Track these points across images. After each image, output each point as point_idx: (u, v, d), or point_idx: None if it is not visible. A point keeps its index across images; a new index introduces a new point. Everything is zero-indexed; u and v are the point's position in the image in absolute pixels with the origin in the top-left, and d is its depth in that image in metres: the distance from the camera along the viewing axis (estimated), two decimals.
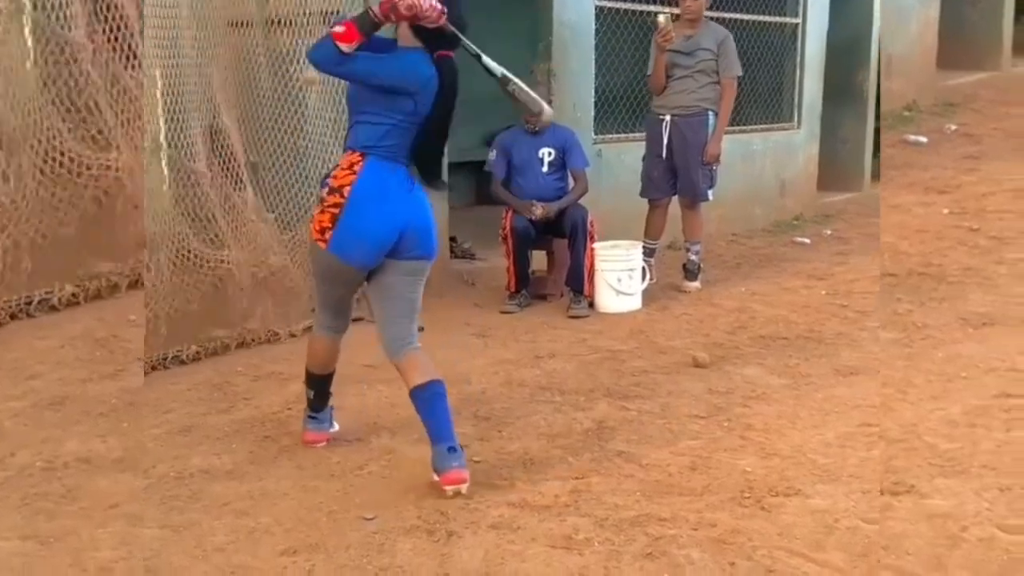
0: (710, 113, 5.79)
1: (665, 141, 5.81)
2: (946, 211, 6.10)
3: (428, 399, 3.15)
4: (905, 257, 5.38)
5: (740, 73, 5.88)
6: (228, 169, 4.66)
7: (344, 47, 3.00)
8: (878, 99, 8.06)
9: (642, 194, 6.00)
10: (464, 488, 3.09)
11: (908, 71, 8.44)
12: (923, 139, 7.80)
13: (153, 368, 4.26)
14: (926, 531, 2.81)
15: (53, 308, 4.65)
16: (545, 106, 3.35)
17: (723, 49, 5.75)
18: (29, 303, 4.59)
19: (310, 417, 3.55)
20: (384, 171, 3.16)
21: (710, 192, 5.90)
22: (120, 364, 4.19)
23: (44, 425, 3.64)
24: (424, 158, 3.23)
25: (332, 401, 3.60)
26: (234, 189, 4.66)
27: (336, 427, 3.64)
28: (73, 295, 4.71)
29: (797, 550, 2.73)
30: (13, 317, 4.54)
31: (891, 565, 2.66)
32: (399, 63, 3.12)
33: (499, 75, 3.21)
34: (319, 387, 3.52)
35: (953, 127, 8.14)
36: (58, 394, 3.89)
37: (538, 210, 5.43)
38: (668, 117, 5.79)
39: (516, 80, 3.24)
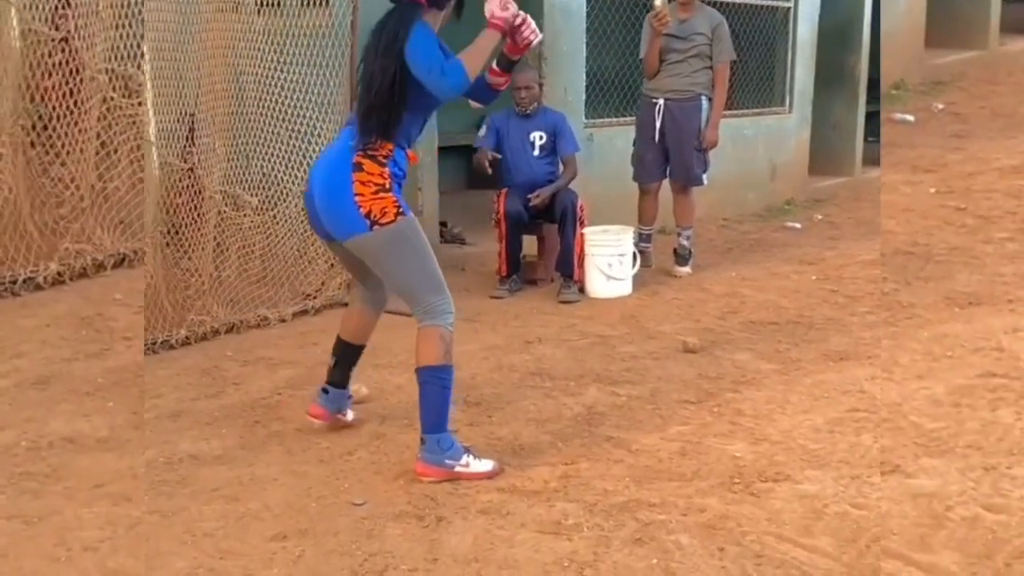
0: (703, 98, 5.77)
1: (658, 125, 5.79)
2: (933, 190, 6.08)
3: (419, 383, 3.14)
4: (891, 236, 5.37)
5: (734, 58, 5.86)
6: (206, 159, 4.63)
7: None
8: (877, 81, 8.04)
9: (635, 179, 5.99)
10: (424, 480, 3.08)
11: (896, 49, 8.42)
12: (910, 117, 7.79)
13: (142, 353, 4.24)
14: (911, 511, 2.82)
15: (38, 287, 4.62)
16: None
17: (717, 34, 5.73)
18: (14, 282, 4.56)
19: (322, 390, 3.51)
20: (335, 140, 3.21)
21: (704, 176, 5.89)
22: (105, 343, 4.17)
23: (29, 404, 3.62)
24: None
25: (352, 388, 3.56)
26: (206, 176, 4.63)
27: (351, 416, 3.56)
28: (58, 274, 4.68)
29: (786, 535, 2.73)
30: None
31: (876, 545, 2.67)
32: None
33: None
34: (339, 354, 3.48)
35: (940, 106, 8.12)
36: (43, 373, 3.87)
37: (487, 157, 5.39)
38: (661, 101, 5.77)
39: None
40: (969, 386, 3.65)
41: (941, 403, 3.52)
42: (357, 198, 3.00)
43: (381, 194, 3.02)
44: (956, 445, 3.20)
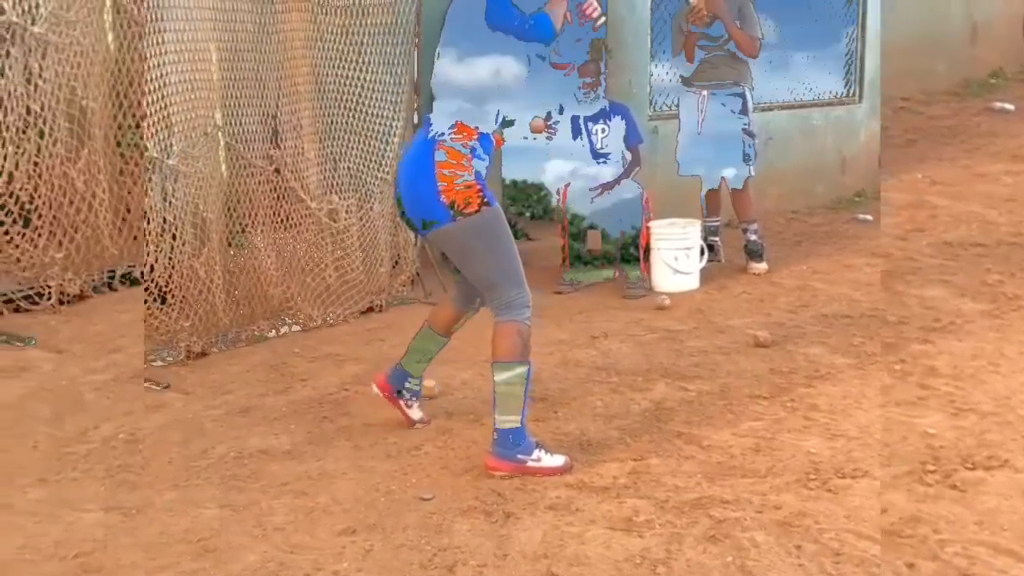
0: (745, 89, 5.69)
1: (702, 117, 5.71)
2: None
3: (494, 378, 3.11)
4: (994, 227, 5.20)
5: (760, 36, 5.74)
6: (293, 159, 4.65)
7: None
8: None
9: (681, 172, 5.91)
10: (495, 474, 3.06)
11: (994, 37, 8.15)
12: (1010, 106, 7.51)
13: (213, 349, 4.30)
14: (1021, 506, 2.71)
15: (134, 281, 4.73)
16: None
17: (744, 14, 5.67)
18: (112, 276, 4.67)
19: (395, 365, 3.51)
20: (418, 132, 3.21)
21: (751, 167, 5.78)
22: None
23: (126, 398, 3.71)
24: None
25: (424, 383, 3.56)
26: (295, 180, 4.64)
27: (415, 415, 3.52)
28: (152, 268, 4.78)
29: (866, 533, 2.65)
30: (96, 291, 4.63)
31: (986, 541, 2.58)
32: None
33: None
34: (418, 331, 3.48)
35: None
36: (140, 367, 3.96)
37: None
38: (705, 92, 5.70)
39: None
40: None
41: None
42: (440, 186, 2.99)
43: (465, 183, 3.00)
44: None
